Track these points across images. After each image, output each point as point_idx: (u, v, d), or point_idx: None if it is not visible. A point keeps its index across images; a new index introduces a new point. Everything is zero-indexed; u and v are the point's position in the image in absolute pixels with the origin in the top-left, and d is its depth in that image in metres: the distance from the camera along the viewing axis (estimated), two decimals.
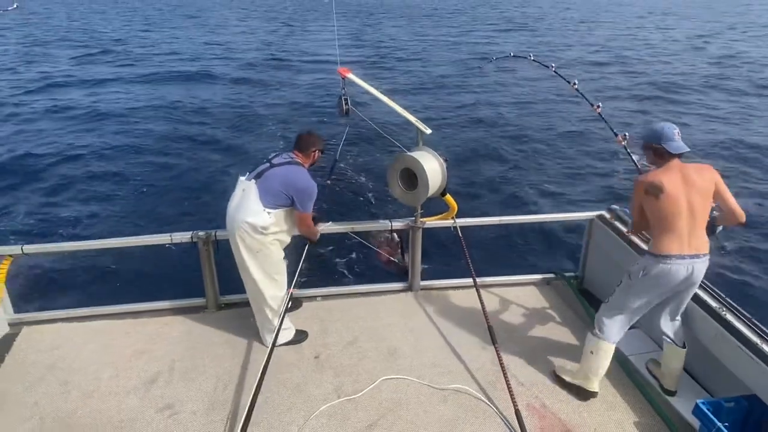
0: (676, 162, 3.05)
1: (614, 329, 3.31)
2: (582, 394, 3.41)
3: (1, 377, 3.60)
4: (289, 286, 3.72)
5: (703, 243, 3.07)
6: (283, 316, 3.53)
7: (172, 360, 3.74)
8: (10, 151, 11.28)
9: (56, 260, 6.65)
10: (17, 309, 4.20)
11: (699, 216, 3.03)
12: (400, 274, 4.83)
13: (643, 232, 3.80)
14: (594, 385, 3.39)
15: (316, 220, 3.97)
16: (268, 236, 3.52)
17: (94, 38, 30.34)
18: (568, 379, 3.49)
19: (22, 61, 22.62)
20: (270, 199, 3.48)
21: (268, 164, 3.58)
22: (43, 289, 6.00)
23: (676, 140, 3.03)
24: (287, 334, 3.88)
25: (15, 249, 3.97)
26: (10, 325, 4.08)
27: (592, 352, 3.35)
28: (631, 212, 3.31)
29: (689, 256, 3.03)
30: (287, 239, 3.73)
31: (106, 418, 3.25)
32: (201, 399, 3.40)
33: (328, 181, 4.52)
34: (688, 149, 3.03)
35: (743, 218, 3.08)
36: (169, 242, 4.09)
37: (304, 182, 3.54)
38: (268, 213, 3.48)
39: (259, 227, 3.46)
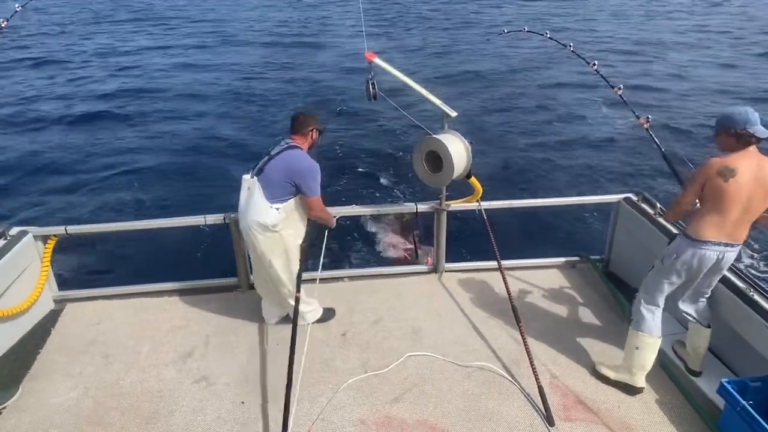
0: (755, 150, 2.90)
1: (656, 321, 3.23)
2: (628, 390, 3.32)
3: (48, 350, 3.83)
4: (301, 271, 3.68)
5: (742, 235, 3.01)
6: (299, 284, 3.52)
7: (206, 335, 3.91)
8: (50, 133, 11.76)
9: (98, 240, 6.95)
10: (61, 287, 4.43)
11: (752, 212, 2.94)
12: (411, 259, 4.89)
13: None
14: (640, 381, 3.29)
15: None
16: (279, 232, 3.48)
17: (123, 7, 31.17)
18: (612, 376, 3.38)
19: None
20: (274, 192, 3.41)
21: (267, 157, 3.50)
22: (85, 268, 6.29)
23: (760, 125, 2.84)
24: (315, 313, 4.00)
25: (59, 229, 4.18)
26: (55, 301, 4.32)
27: (637, 348, 3.23)
28: (686, 190, 3.07)
29: (724, 243, 2.99)
30: (301, 230, 3.68)
31: (146, 388, 3.44)
32: (234, 372, 3.56)
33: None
34: None
35: None
36: (203, 224, 4.25)
37: (303, 163, 3.43)
38: (276, 209, 3.41)
39: (269, 226, 3.40)
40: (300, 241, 3.66)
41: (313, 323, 3.97)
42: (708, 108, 12.65)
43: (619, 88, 4.30)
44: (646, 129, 4.06)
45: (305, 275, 4.18)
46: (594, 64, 4.53)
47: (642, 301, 3.30)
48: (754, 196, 2.89)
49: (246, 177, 3.54)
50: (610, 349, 3.71)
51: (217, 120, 12.52)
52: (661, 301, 3.25)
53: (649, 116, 4.06)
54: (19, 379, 3.52)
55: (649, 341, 3.21)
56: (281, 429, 2.97)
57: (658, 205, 4.23)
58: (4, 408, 3.29)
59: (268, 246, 3.51)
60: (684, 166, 4.42)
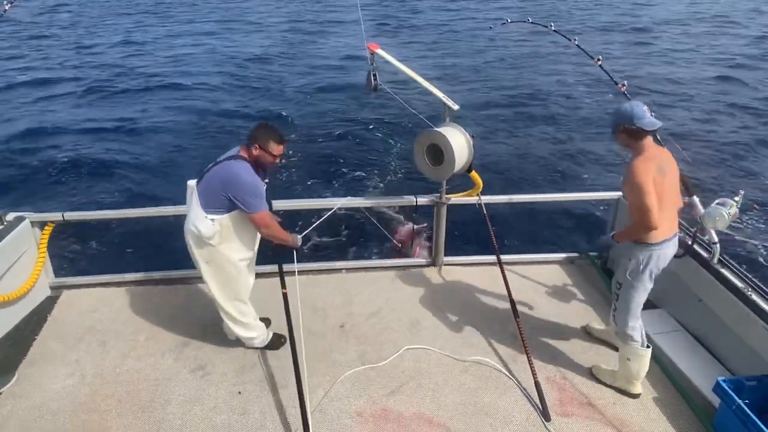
0: (652, 141, 2.95)
1: (641, 331, 3.20)
2: (625, 395, 3.31)
3: (45, 337, 3.82)
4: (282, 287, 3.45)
5: (677, 217, 3.17)
6: (282, 277, 3.39)
7: (203, 325, 3.90)
8: (49, 122, 11.68)
9: (95, 228, 6.90)
10: (58, 273, 4.41)
11: (677, 194, 3.10)
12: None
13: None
14: (636, 388, 3.28)
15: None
16: (215, 248, 3.18)
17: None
18: (608, 382, 3.37)
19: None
20: (209, 202, 3.11)
21: (212, 164, 3.22)
22: (83, 255, 6.27)
23: (648, 116, 2.88)
24: (256, 341, 3.65)
25: (56, 216, 4.16)
26: (51, 288, 4.30)
27: (629, 359, 3.21)
28: (646, 198, 2.81)
29: (674, 234, 3.07)
30: (244, 253, 3.34)
31: (143, 376, 3.43)
32: (231, 362, 3.56)
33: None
34: (662, 123, 2.92)
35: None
36: None
37: (239, 177, 3.06)
38: (212, 220, 3.10)
39: (203, 237, 3.11)
40: (240, 257, 3.34)
41: (307, 317, 3.84)
42: (708, 106, 12.61)
43: (623, 85, 4.24)
44: None
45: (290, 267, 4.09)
46: (598, 59, 4.48)
47: (621, 316, 3.20)
48: (674, 180, 3.02)
49: (190, 183, 3.35)
50: (607, 346, 3.71)
51: (220, 113, 12.43)
52: (640, 310, 3.18)
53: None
54: (15, 365, 3.51)
55: (640, 352, 3.19)
56: (300, 421, 2.99)
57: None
58: (0, 394, 3.29)
59: (203, 258, 3.25)
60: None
